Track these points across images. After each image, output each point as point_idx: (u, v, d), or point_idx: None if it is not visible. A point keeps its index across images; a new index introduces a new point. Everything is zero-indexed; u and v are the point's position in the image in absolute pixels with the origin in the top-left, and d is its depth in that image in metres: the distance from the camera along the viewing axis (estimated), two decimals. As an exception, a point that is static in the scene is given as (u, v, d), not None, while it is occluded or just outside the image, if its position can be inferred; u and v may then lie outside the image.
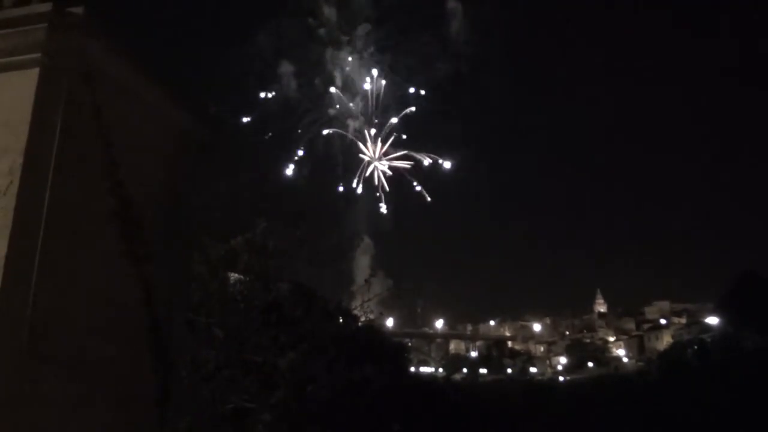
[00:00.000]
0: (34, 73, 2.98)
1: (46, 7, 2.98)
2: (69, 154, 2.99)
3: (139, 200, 3.36)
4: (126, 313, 3.27)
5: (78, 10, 3.01)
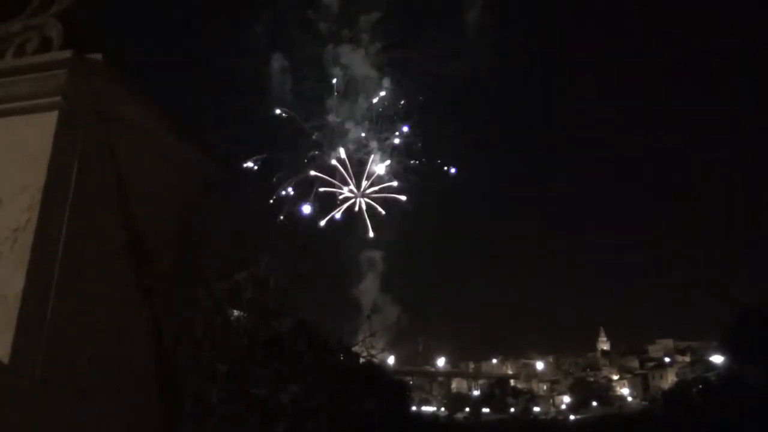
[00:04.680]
0: (53, 115, 3.13)
1: (66, 54, 3.15)
2: (84, 190, 3.12)
3: (148, 235, 3.47)
4: (134, 344, 3.36)
5: (97, 56, 3.18)
